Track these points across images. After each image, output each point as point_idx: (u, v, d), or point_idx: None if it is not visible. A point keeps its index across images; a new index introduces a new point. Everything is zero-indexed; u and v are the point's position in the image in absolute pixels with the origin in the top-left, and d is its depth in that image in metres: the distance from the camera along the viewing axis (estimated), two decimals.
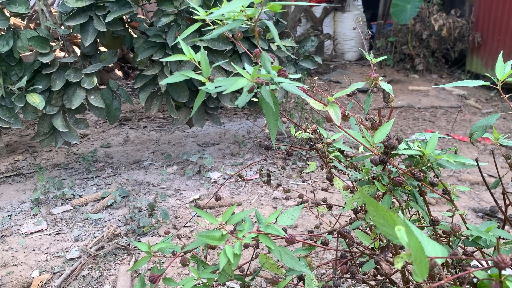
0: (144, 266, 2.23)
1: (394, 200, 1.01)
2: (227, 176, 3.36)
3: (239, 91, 3.34)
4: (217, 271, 0.97)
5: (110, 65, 5.86)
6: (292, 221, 0.90)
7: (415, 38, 6.65)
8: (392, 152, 0.85)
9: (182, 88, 3.06)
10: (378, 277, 1.14)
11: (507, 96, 0.92)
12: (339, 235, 0.89)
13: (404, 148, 0.82)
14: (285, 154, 3.30)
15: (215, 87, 0.80)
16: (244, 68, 0.87)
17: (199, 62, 0.88)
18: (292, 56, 3.40)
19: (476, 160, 0.83)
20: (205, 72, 0.88)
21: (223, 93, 0.81)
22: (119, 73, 7.16)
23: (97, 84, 3.09)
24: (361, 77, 6.39)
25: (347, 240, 0.93)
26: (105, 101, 3.06)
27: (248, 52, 1.27)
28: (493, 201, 2.40)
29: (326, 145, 1.17)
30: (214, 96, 3.07)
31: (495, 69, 0.90)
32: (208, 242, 0.80)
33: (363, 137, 0.88)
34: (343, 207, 1.32)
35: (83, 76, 2.96)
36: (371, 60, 1.03)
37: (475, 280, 0.66)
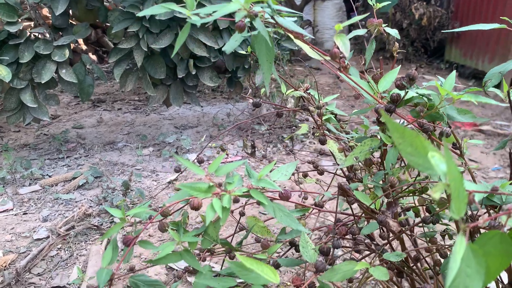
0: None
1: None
2: (206, 153, 3.24)
3: (220, 70, 3.20)
4: (200, 236, 0.87)
5: (84, 48, 5.63)
6: (287, 177, 0.80)
7: (395, 27, 6.63)
8: (401, 99, 0.76)
9: (159, 63, 2.92)
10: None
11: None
12: (339, 190, 0.80)
13: (416, 94, 0.73)
14: (268, 133, 3.18)
15: (203, 15, 0.69)
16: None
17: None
18: (275, 35, 3.29)
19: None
20: (189, 5, 0.77)
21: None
22: (93, 57, 6.91)
23: (69, 58, 2.92)
24: None
25: (347, 197, 0.84)
26: (77, 76, 2.89)
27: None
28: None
29: (318, 107, 1.07)
30: (193, 73, 2.94)
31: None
32: (193, 194, 0.69)
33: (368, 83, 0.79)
34: (335, 173, 1.23)
35: (53, 49, 2.78)
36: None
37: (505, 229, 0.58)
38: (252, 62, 3.14)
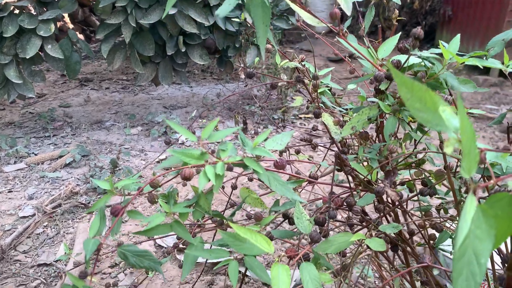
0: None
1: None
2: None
3: (210, 50, 3.13)
4: (192, 207, 0.84)
5: (71, 27, 5.49)
6: (282, 146, 0.78)
7: (387, 10, 6.59)
8: (401, 66, 0.73)
9: (148, 40, 2.85)
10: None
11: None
12: (336, 159, 0.78)
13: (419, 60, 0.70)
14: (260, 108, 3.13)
15: None
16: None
17: None
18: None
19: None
20: None
21: None
22: (81, 36, 6.77)
23: (55, 35, 2.84)
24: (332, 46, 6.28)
25: (345, 167, 0.81)
26: (64, 53, 2.81)
27: None
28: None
29: (314, 77, 1.04)
30: (183, 50, 2.88)
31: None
32: (185, 160, 0.66)
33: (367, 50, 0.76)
34: (329, 148, 1.20)
35: (38, 23, 2.69)
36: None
37: None
38: (243, 41, 3.09)
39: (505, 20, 4.99)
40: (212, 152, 0.70)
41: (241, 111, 3.55)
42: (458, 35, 0.69)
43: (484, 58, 0.68)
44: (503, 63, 0.82)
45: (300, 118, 3.60)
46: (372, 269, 1.73)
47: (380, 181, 0.78)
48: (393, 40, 0.79)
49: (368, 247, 0.88)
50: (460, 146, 0.40)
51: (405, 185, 1.02)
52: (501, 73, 4.80)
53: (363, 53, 0.75)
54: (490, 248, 0.41)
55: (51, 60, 2.83)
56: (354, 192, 0.90)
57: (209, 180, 0.65)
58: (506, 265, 0.59)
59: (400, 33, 0.79)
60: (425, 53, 0.68)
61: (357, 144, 1.15)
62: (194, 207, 0.84)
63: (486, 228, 0.41)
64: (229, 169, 0.70)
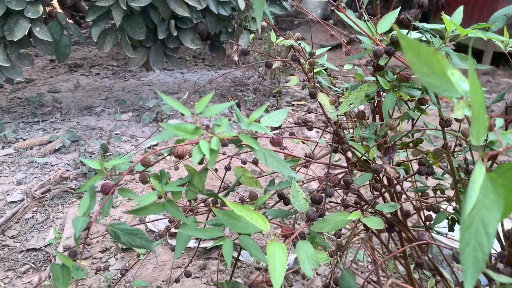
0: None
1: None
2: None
3: (202, 37, 3.09)
4: (185, 186, 0.82)
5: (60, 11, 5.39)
6: (278, 123, 0.75)
7: None
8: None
9: (138, 24, 2.80)
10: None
11: None
12: (334, 134, 0.76)
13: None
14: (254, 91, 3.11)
15: None
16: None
17: None
18: None
19: None
20: None
21: None
22: (70, 22, 6.67)
23: (43, 17, 2.78)
24: (325, 34, 6.25)
25: (342, 145, 0.79)
26: (52, 36, 2.76)
27: None
28: None
29: (310, 54, 1.02)
30: (174, 34, 2.83)
31: None
32: (179, 134, 0.64)
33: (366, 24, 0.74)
34: (324, 130, 1.18)
35: (26, 5, 2.63)
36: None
37: None
38: (236, 25, 3.04)
39: (497, 9, 4.99)
40: (206, 128, 0.68)
41: (234, 97, 3.52)
42: (461, 6, 0.67)
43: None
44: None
45: (293, 105, 3.58)
46: (365, 254, 1.73)
47: (379, 159, 0.76)
48: (392, 14, 0.76)
49: (365, 226, 0.87)
50: (470, 110, 0.38)
51: (401, 166, 1.01)
52: (492, 61, 4.81)
53: (362, 27, 0.73)
54: (498, 218, 0.40)
55: (39, 43, 2.77)
56: (350, 173, 0.89)
57: (204, 156, 0.63)
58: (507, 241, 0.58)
59: (399, 8, 0.77)
60: (427, 25, 0.66)
61: (352, 128, 1.14)
62: (188, 186, 0.81)
63: (495, 197, 0.40)
64: (224, 145, 0.68)
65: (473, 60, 0.74)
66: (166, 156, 0.89)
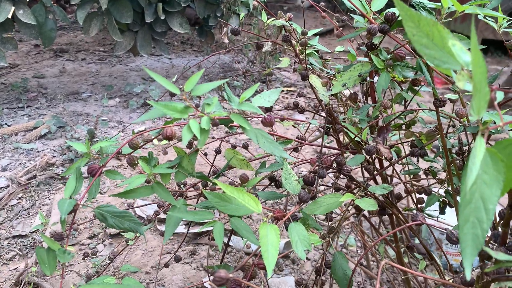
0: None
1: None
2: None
3: (190, 22, 3.03)
4: (174, 168, 0.81)
5: None
6: (270, 103, 0.74)
7: None
8: (396, 19, 0.69)
9: (125, 7, 2.74)
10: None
11: None
12: (327, 114, 0.74)
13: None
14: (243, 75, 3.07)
15: None
16: None
17: None
18: None
19: None
20: None
21: None
22: (55, 5, 6.53)
23: (27, 1, 2.70)
24: (314, 21, 6.22)
25: (335, 125, 0.78)
26: (37, 19, 2.69)
27: None
28: None
29: (303, 33, 1.00)
30: (162, 18, 2.78)
31: None
32: (167, 112, 0.62)
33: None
34: (316, 113, 1.17)
35: None
36: None
37: None
38: (224, 10, 3.00)
39: None
40: (196, 107, 0.66)
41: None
42: None
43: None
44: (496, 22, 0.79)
45: (283, 91, 3.56)
46: (355, 238, 1.73)
47: (372, 139, 0.75)
48: None
49: (356, 209, 0.86)
50: (471, 82, 0.37)
51: (393, 149, 1.00)
52: (481, 49, 4.83)
53: (355, 4, 0.71)
54: (498, 194, 0.39)
55: (23, 26, 2.70)
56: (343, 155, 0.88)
57: (193, 135, 0.61)
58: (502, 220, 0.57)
59: None
60: (425, 2, 0.65)
61: (343, 111, 1.13)
62: (177, 168, 0.80)
63: (494, 173, 0.39)
64: (215, 124, 0.66)
65: (469, 40, 0.73)
66: (155, 138, 0.87)
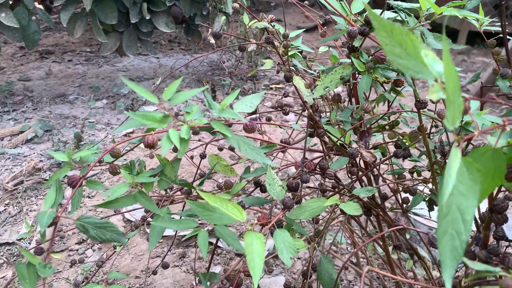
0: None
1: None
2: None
3: (177, 20, 3.01)
4: (157, 176, 0.80)
5: None
6: (252, 109, 0.73)
7: None
8: None
9: (110, 8, 2.71)
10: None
11: None
12: (309, 119, 0.74)
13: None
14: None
15: None
16: None
17: None
18: None
19: None
20: None
21: None
22: (40, 7, 6.45)
23: (9, 3, 2.66)
24: (302, 17, 6.21)
25: (318, 129, 0.78)
26: (20, 21, 2.65)
27: None
28: None
29: (284, 36, 0.99)
30: (147, 18, 2.76)
31: None
32: (146, 123, 0.61)
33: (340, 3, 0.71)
34: (301, 114, 1.17)
35: None
36: None
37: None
38: (210, 8, 2.98)
39: None
40: (176, 115, 0.65)
41: (210, 82, 3.47)
42: None
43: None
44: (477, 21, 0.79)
45: (271, 88, 3.55)
46: (344, 236, 1.74)
47: (354, 143, 0.75)
48: None
49: (342, 212, 0.86)
50: (444, 93, 0.36)
51: (378, 149, 1.00)
52: (468, 41, 4.85)
53: (336, 7, 0.71)
54: (475, 205, 0.38)
55: (6, 29, 2.66)
56: (327, 158, 0.87)
57: (173, 145, 0.60)
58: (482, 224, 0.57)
59: None
60: (403, 4, 0.65)
61: (328, 111, 1.12)
62: (160, 176, 0.79)
63: (470, 183, 0.38)
64: (195, 133, 0.66)
65: (448, 40, 0.73)
66: (139, 145, 0.86)
